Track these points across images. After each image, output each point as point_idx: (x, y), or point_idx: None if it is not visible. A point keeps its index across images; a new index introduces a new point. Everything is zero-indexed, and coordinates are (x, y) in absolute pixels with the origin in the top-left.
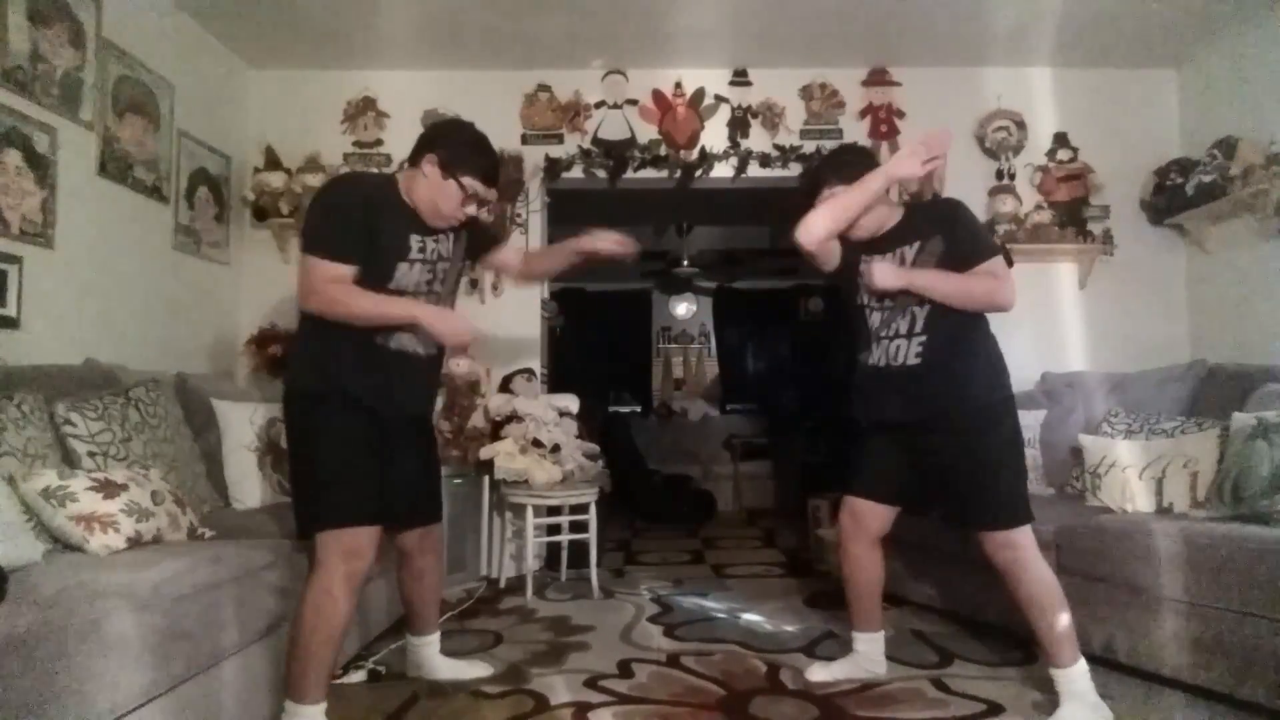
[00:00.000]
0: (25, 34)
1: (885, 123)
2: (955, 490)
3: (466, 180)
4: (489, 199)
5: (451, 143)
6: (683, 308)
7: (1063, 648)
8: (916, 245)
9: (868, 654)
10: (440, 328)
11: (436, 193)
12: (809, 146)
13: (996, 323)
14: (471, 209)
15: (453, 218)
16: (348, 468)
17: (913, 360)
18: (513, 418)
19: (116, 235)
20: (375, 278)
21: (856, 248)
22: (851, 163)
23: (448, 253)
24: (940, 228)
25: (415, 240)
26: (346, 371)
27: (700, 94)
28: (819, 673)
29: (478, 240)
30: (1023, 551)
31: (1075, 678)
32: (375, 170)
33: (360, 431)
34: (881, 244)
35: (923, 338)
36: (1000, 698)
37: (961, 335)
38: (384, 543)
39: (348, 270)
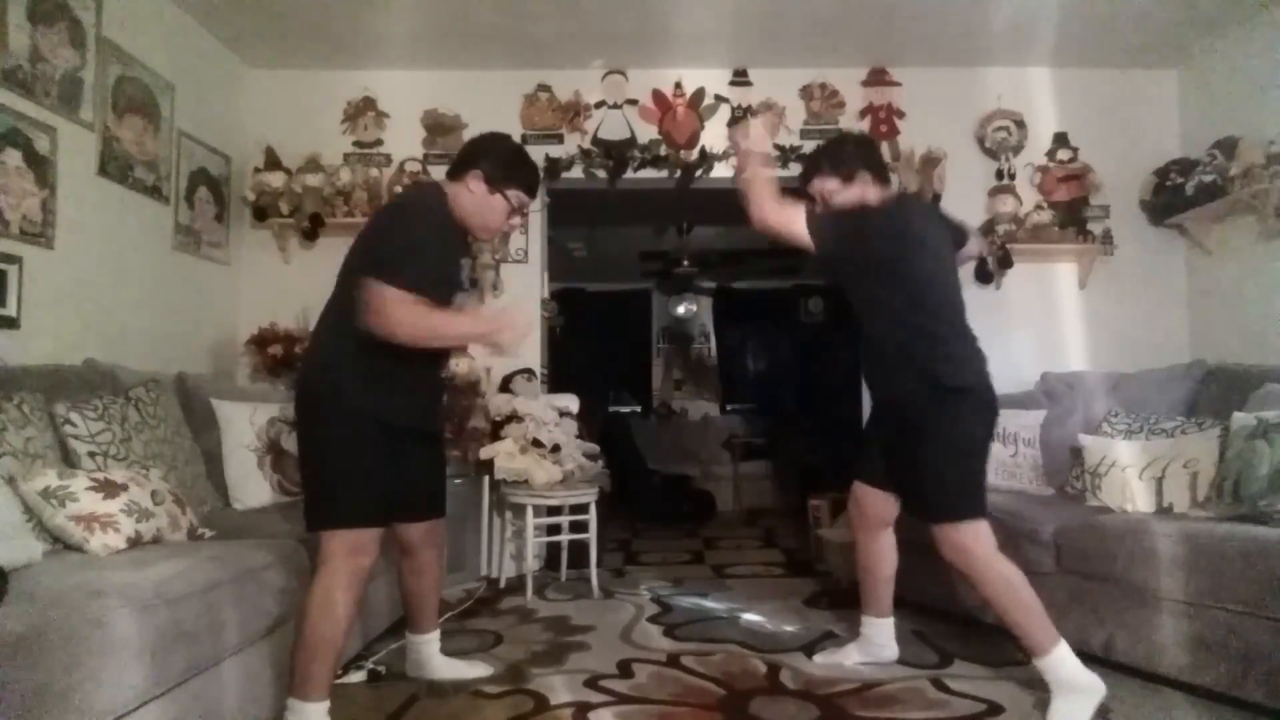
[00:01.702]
0: (25, 34)
1: (885, 123)
2: (899, 478)
3: (512, 193)
4: (529, 209)
5: (494, 157)
6: (683, 308)
7: (1035, 636)
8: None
9: (875, 637)
10: (507, 338)
11: (484, 208)
12: (809, 146)
13: (998, 322)
14: (515, 220)
15: (499, 230)
16: (355, 471)
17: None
18: (513, 418)
19: (116, 235)
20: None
21: None
22: (847, 158)
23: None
24: None
25: (465, 265)
26: (374, 393)
27: (700, 94)
28: (827, 656)
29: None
30: (973, 557)
31: (1058, 663)
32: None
33: (370, 436)
34: None
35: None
36: (1000, 698)
37: (896, 316)
38: (385, 539)
39: (412, 298)
